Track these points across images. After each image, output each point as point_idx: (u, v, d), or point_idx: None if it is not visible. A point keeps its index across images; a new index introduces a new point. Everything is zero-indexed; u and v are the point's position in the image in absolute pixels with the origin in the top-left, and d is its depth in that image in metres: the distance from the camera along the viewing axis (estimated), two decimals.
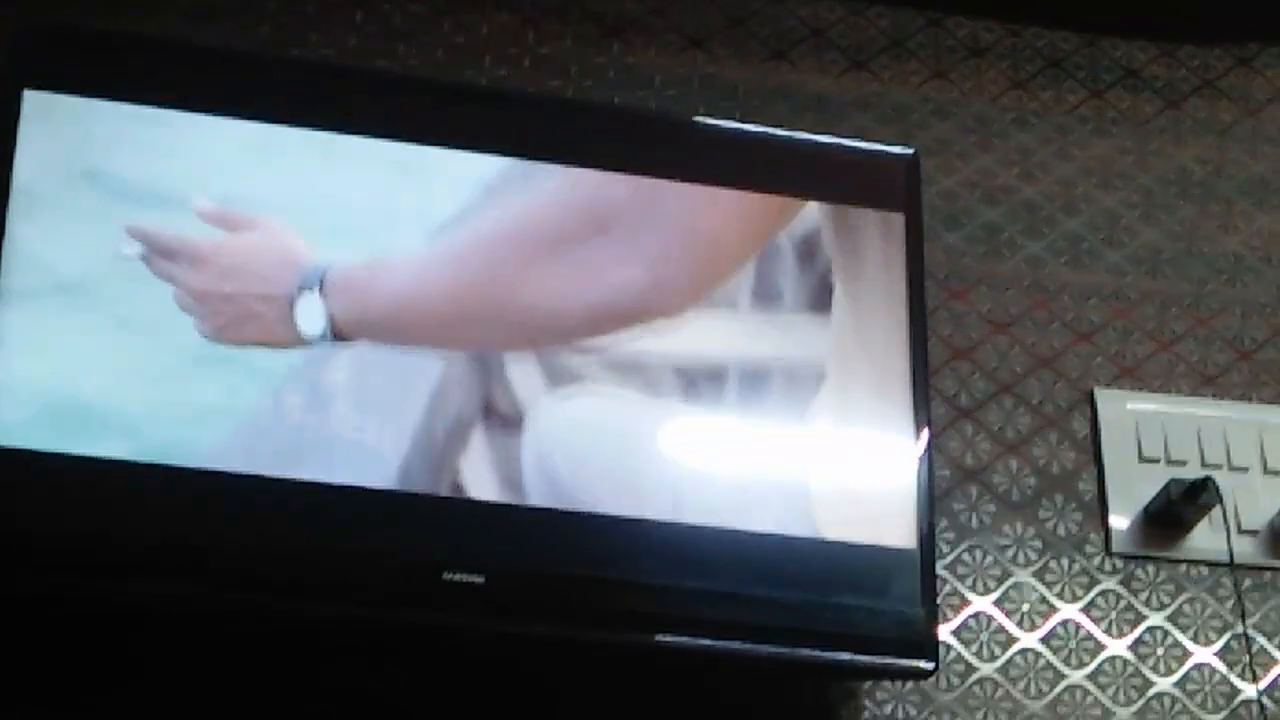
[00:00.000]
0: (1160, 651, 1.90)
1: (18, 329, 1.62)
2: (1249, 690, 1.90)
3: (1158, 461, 1.98)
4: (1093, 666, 1.88)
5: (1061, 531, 1.94)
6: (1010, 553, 1.92)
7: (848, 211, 1.80)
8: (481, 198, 1.75)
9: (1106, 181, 2.15)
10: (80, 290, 1.63)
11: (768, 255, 1.78)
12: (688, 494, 1.70)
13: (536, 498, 1.67)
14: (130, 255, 1.65)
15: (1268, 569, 1.96)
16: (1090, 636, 1.90)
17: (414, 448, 1.65)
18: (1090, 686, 1.87)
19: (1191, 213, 2.16)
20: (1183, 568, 1.95)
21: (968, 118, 2.16)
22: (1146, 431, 2.00)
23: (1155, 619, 1.92)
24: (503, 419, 1.68)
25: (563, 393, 1.69)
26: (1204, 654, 1.91)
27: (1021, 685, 1.86)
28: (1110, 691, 1.87)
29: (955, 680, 1.85)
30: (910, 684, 1.83)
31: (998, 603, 1.90)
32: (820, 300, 1.77)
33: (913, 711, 1.83)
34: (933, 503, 1.77)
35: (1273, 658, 1.92)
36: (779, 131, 1.93)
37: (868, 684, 1.83)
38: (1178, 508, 1.92)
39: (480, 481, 1.65)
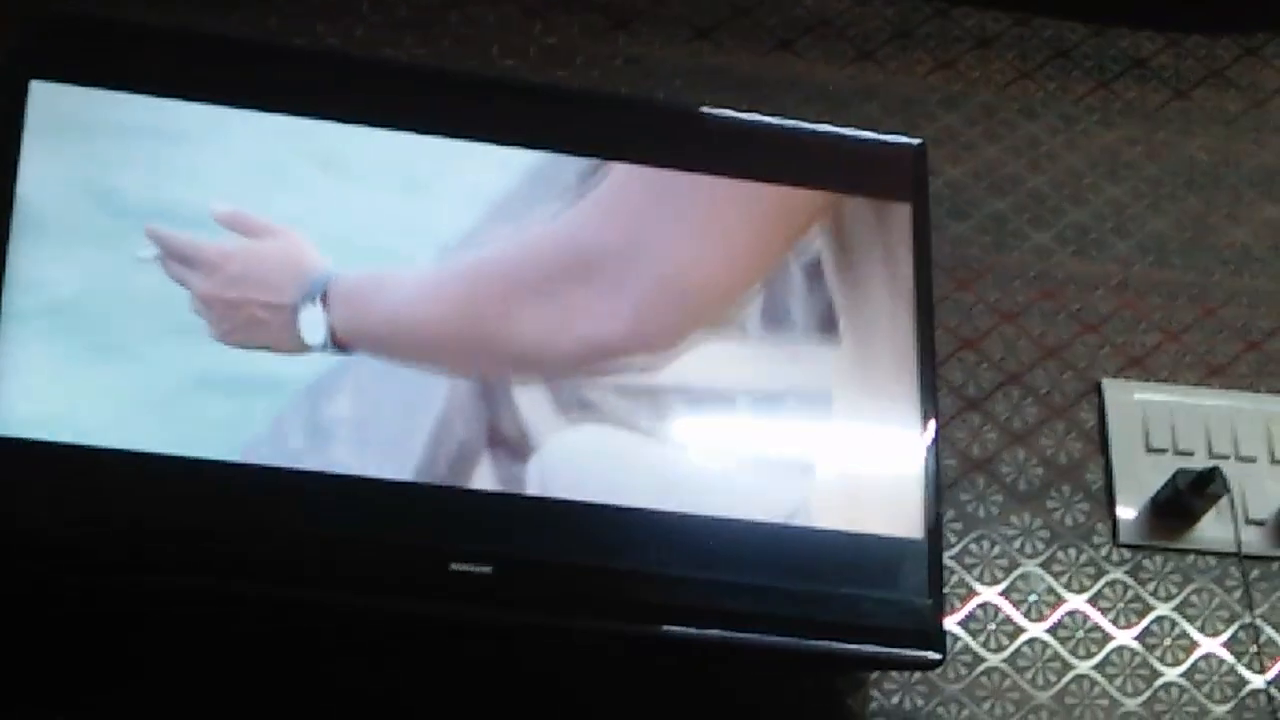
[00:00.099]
0: (1168, 642, 1.90)
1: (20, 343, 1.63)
2: (1257, 680, 1.90)
3: (1165, 452, 1.98)
4: (1100, 657, 1.88)
5: (1069, 522, 1.94)
6: (1017, 543, 1.92)
7: (848, 238, 1.79)
8: (489, 217, 1.74)
9: (1114, 172, 2.15)
10: (77, 309, 1.64)
11: (777, 277, 1.77)
12: (695, 485, 1.70)
13: None
14: (147, 258, 1.66)
15: (1275, 559, 1.96)
16: (1098, 627, 1.90)
17: (417, 480, 1.66)
18: (1098, 677, 1.87)
19: (1199, 203, 2.15)
20: (1190, 558, 1.95)
21: (975, 108, 2.16)
22: (1154, 422, 1.99)
23: (1163, 609, 1.92)
24: (510, 448, 1.68)
25: (572, 421, 1.69)
26: (1211, 644, 1.91)
27: (1029, 676, 1.86)
28: (1118, 682, 1.87)
29: (963, 671, 1.85)
30: (918, 674, 1.83)
31: (1005, 593, 1.90)
32: (828, 323, 1.77)
33: (920, 702, 1.83)
34: (940, 493, 1.77)
35: None
36: (785, 121, 1.92)
37: (875, 674, 1.83)
38: (1185, 498, 1.92)
39: None
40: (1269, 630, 1.92)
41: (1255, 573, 1.95)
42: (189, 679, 1.70)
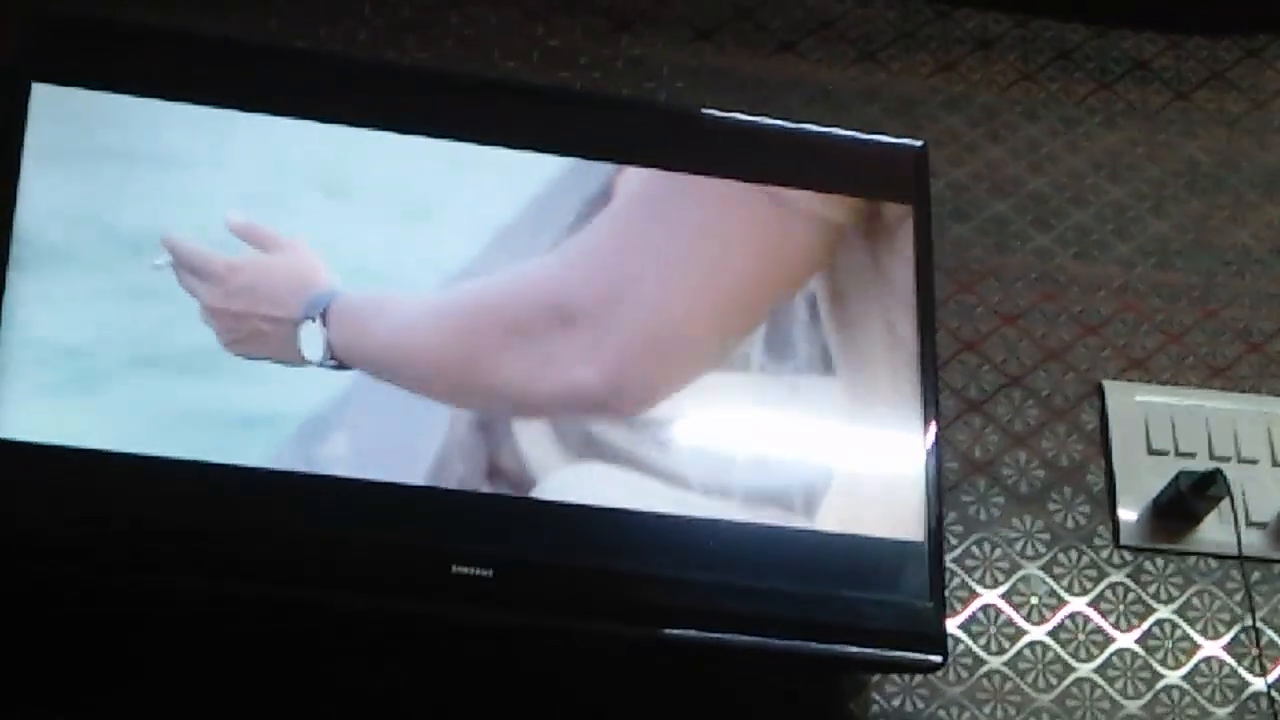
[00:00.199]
0: (1169, 644, 1.90)
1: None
2: (1258, 683, 1.90)
3: (1166, 454, 1.98)
4: (1101, 659, 1.88)
5: (1070, 524, 1.94)
6: (1019, 546, 1.92)
7: (843, 284, 1.78)
8: (493, 245, 1.74)
9: (1115, 173, 2.15)
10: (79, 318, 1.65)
11: (781, 312, 1.77)
12: (696, 469, 1.70)
13: None
14: (161, 265, 1.67)
15: (1277, 562, 1.96)
16: (1099, 629, 1.90)
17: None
18: (1099, 679, 1.87)
19: (1201, 204, 2.15)
20: (1191, 560, 1.95)
21: (976, 110, 2.16)
22: (1155, 424, 1.99)
23: (1164, 612, 1.92)
24: (510, 483, 1.68)
25: (574, 458, 1.69)
26: (1213, 647, 1.91)
27: (1030, 678, 1.86)
28: (1119, 684, 1.87)
29: (964, 673, 1.85)
30: (919, 677, 1.83)
31: (1006, 596, 1.90)
32: (826, 361, 1.77)
33: (921, 704, 1.83)
34: (941, 495, 1.77)
35: None
36: (787, 123, 1.93)
37: (876, 677, 1.83)
38: (1186, 500, 1.92)
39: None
40: (1270, 633, 1.92)
41: (1256, 575, 1.95)
42: (189, 679, 1.70)
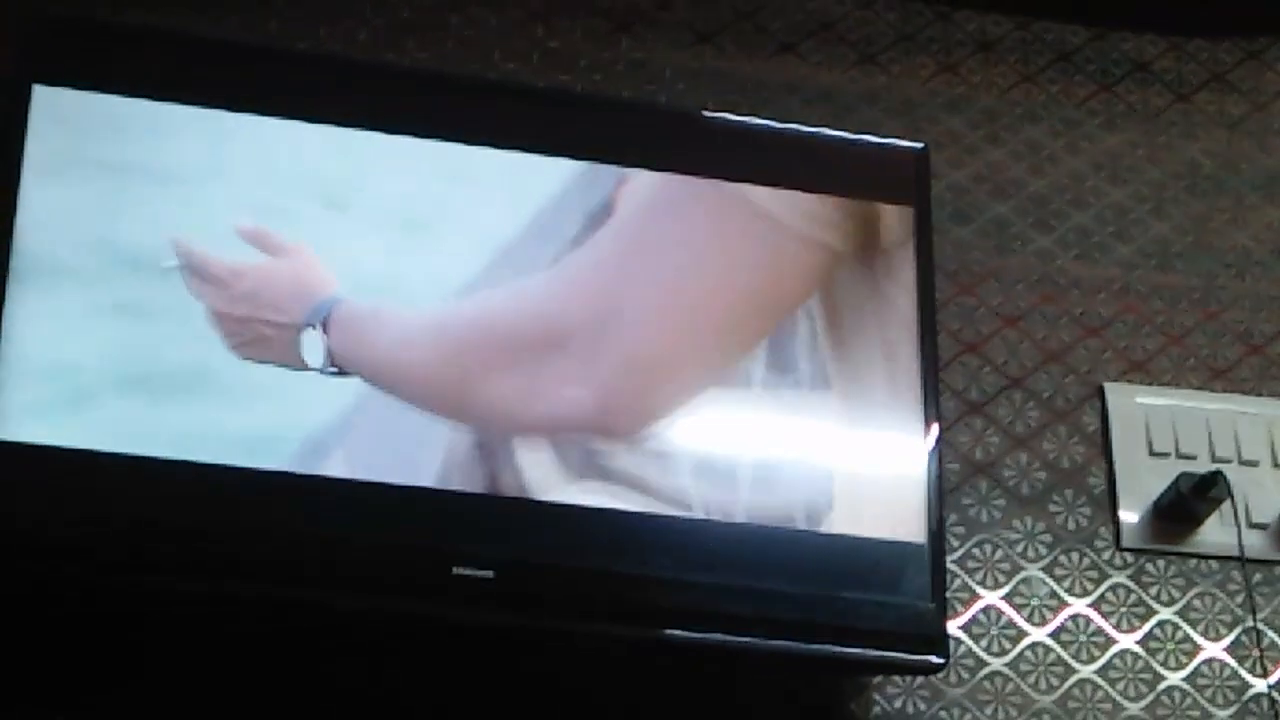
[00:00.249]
0: (1170, 646, 1.90)
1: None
2: (1259, 685, 1.90)
3: (1168, 456, 1.98)
4: (1103, 661, 1.88)
5: (1071, 526, 1.94)
6: (1020, 547, 1.92)
7: (839, 307, 1.78)
8: (494, 264, 1.73)
9: (1116, 175, 2.15)
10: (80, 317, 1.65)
11: (783, 329, 1.77)
12: (698, 489, 1.70)
13: None
14: (171, 267, 1.67)
15: (1278, 563, 1.96)
16: (1100, 631, 1.90)
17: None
18: (1100, 681, 1.87)
19: (1201, 206, 2.15)
20: (1193, 562, 1.95)
21: (977, 111, 2.16)
22: (1156, 426, 1.99)
23: (1165, 613, 1.92)
24: None
25: (576, 479, 1.69)
26: (1214, 648, 1.91)
27: (1031, 680, 1.86)
28: (1120, 686, 1.87)
29: (965, 675, 1.85)
30: (920, 679, 1.83)
31: (1007, 597, 1.90)
32: (822, 379, 1.77)
33: (923, 706, 1.83)
34: (942, 497, 1.77)
35: None
36: (788, 125, 1.93)
37: (878, 678, 1.83)
38: (1188, 502, 1.92)
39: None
40: (1271, 634, 1.92)
41: (1258, 576, 1.95)
42: (190, 680, 1.70)
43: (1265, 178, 2.18)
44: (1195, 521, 1.94)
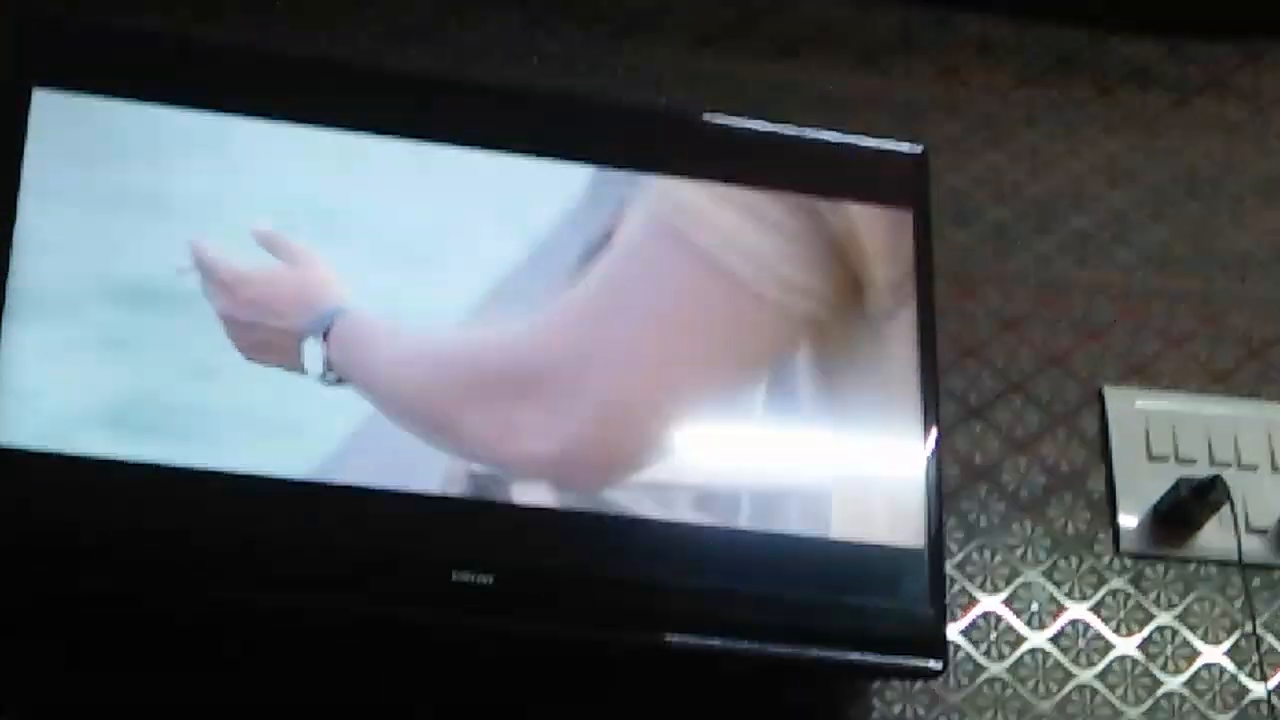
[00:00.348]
0: (1169, 651, 1.90)
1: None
2: (1258, 690, 1.90)
3: (1167, 460, 1.98)
4: (1102, 666, 1.88)
5: (1070, 530, 1.94)
6: (1019, 552, 1.92)
7: (829, 352, 1.77)
8: (492, 295, 1.73)
9: (1115, 179, 2.15)
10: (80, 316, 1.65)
11: (783, 369, 1.77)
12: (698, 494, 1.70)
13: None
14: (186, 269, 1.68)
15: (1277, 568, 1.96)
16: (1099, 636, 1.90)
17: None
18: (1099, 686, 1.87)
19: (1201, 210, 2.15)
20: (1192, 567, 1.95)
21: (976, 115, 2.16)
22: (1156, 430, 1.99)
23: (1164, 618, 1.92)
24: None
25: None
26: (1213, 653, 1.91)
27: (1030, 685, 1.86)
28: (1119, 691, 1.87)
29: (964, 680, 1.85)
30: (919, 683, 1.83)
31: (1006, 602, 1.90)
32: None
33: (921, 711, 1.83)
34: (941, 502, 1.77)
35: None
36: (787, 129, 1.92)
37: (876, 683, 1.83)
38: (1187, 506, 1.92)
39: None
40: (1271, 639, 1.92)
41: (1257, 581, 1.95)
42: (187, 688, 1.70)
43: (1265, 181, 2.18)
44: (1194, 526, 1.94)
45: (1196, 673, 1.90)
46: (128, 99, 1.72)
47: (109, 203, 1.68)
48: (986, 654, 1.87)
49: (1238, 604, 1.93)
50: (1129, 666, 1.89)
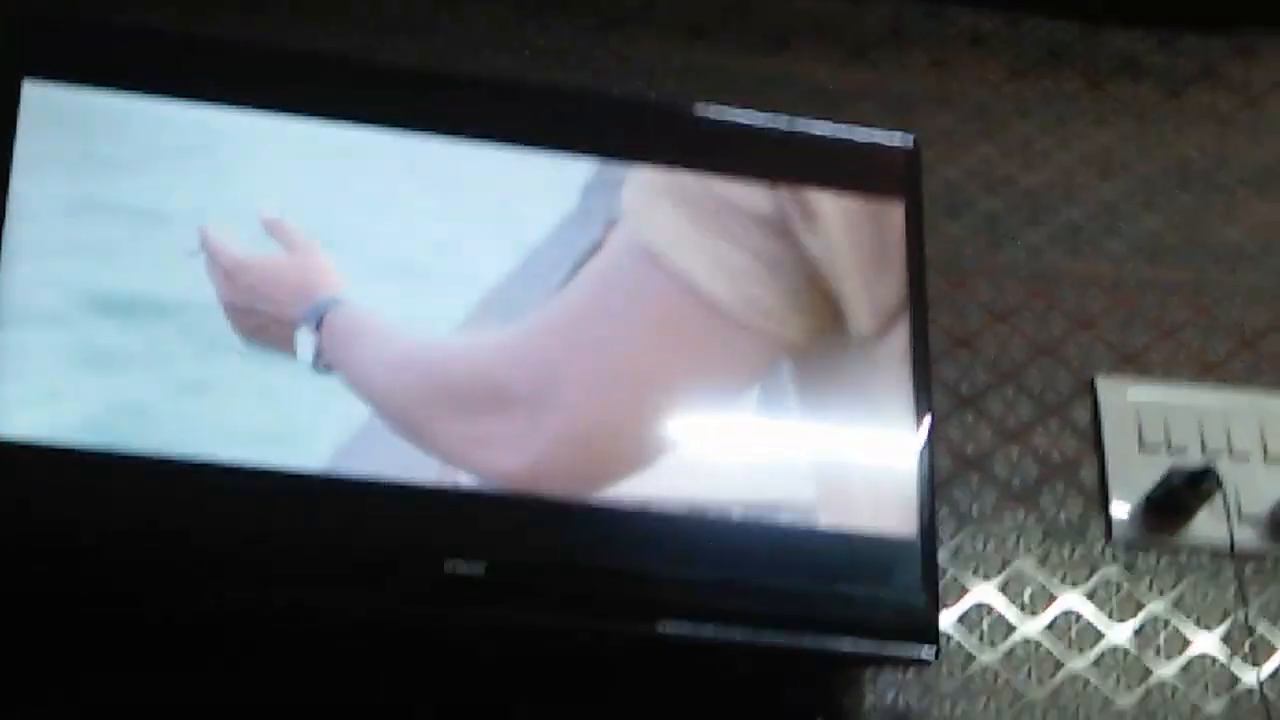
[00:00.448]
0: (1161, 639, 1.90)
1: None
2: (1250, 677, 1.90)
3: (1159, 449, 1.98)
4: (1094, 654, 1.88)
5: (1063, 520, 1.95)
6: (1011, 541, 1.92)
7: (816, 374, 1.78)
8: (481, 307, 1.74)
9: (1107, 170, 2.15)
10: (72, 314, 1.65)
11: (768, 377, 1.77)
12: (690, 483, 1.70)
13: None
14: (193, 251, 1.69)
15: (1268, 556, 1.96)
16: (1091, 624, 1.90)
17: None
18: (1091, 674, 1.87)
19: (1192, 201, 2.15)
20: (1184, 555, 1.95)
21: (968, 107, 2.16)
22: (1147, 419, 2.00)
23: (1156, 606, 1.92)
24: None
25: None
26: (1205, 641, 1.91)
27: (1023, 673, 1.86)
28: (1111, 679, 1.88)
29: (956, 668, 1.86)
30: (912, 672, 1.83)
31: (999, 590, 1.90)
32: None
33: (914, 699, 1.83)
34: (934, 491, 1.78)
35: (1274, 645, 1.92)
36: (779, 120, 1.92)
37: (869, 671, 1.83)
38: (1179, 495, 1.93)
39: None
40: (1262, 627, 1.92)
41: (1249, 569, 1.95)
42: (179, 679, 1.70)
43: (1256, 172, 2.19)
44: (1186, 514, 1.94)
45: (1189, 661, 1.90)
46: (119, 91, 1.72)
47: (99, 201, 1.68)
48: (979, 642, 1.87)
49: (1230, 592, 1.93)
50: (1121, 655, 1.89)
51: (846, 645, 1.71)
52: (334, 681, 1.72)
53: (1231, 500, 1.94)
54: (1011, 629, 1.88)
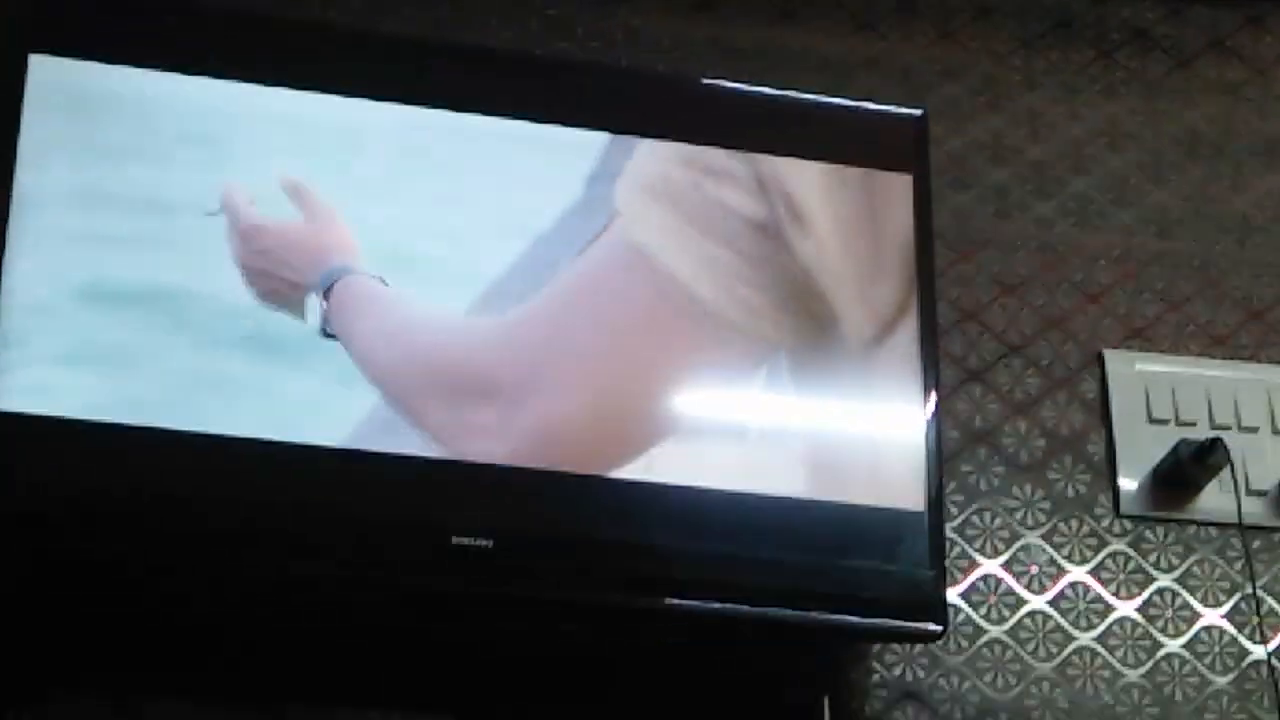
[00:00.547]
0: (1169, 613, 1.90)
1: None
2: (1258, 651, 1.90)
3: (1167, 422, 1.98)
4: (1102, 628, 1.88)
5: (1070, 493, 1.94)
6: (1019, 515, 1.92)
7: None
8: (483, 299, 1.73)
9: (1115, 142, 2.15)
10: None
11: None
12: (698, 457, 1.70)
13: None
14: (214, 212, 1.70)
15: (1277, 530, 1.96)
16: (1099, 598, 1.90)
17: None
18: (1099, 648, 1.87)
19: (1201, 173, 2.15)
20: (1192, 529, 1.95)
21: (976, 78, 2.15)
22: (1156, 392, 1.99)
23: (1164, 580, 1.92)
24: None
25: None
26: (1213, 615, 1.91)
27: (1030, 647, 1.86)
28: (1119, 653, 1.88)
29: (964, 643, 1.85)
30: (919, 646, 1.83)
31: (1006, 565, 1.90)
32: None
33: (922, 674, 1.83)
34: (941, 465, 1.77)
35: None
36: (787, 92, 1.92)
37: (876, 646, 1.83)
38: (1187, 469, 1.92)
39: None
40: (1270, 601, 1.93)
41: (1257, 543, 1.95)
42: (186, 652, 1.70)
43: (1265, 144, 2.18)
44: (1194, 488, 1.94)
45: (1196, 635, 1.90)
46: (125, 65, 1.71)
47: (105, 164, 1.68)
48: (986, 617, 1.87)
49: (1238, 566, 1.93)
50: (1129, 629, 1.89)
51: (853, 619, 1.71)
52: (337, 654, 1.72)
53: (1240, 474, 1.93)
54: (1019, 603, 1.88)
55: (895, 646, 1.83)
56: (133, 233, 1.67)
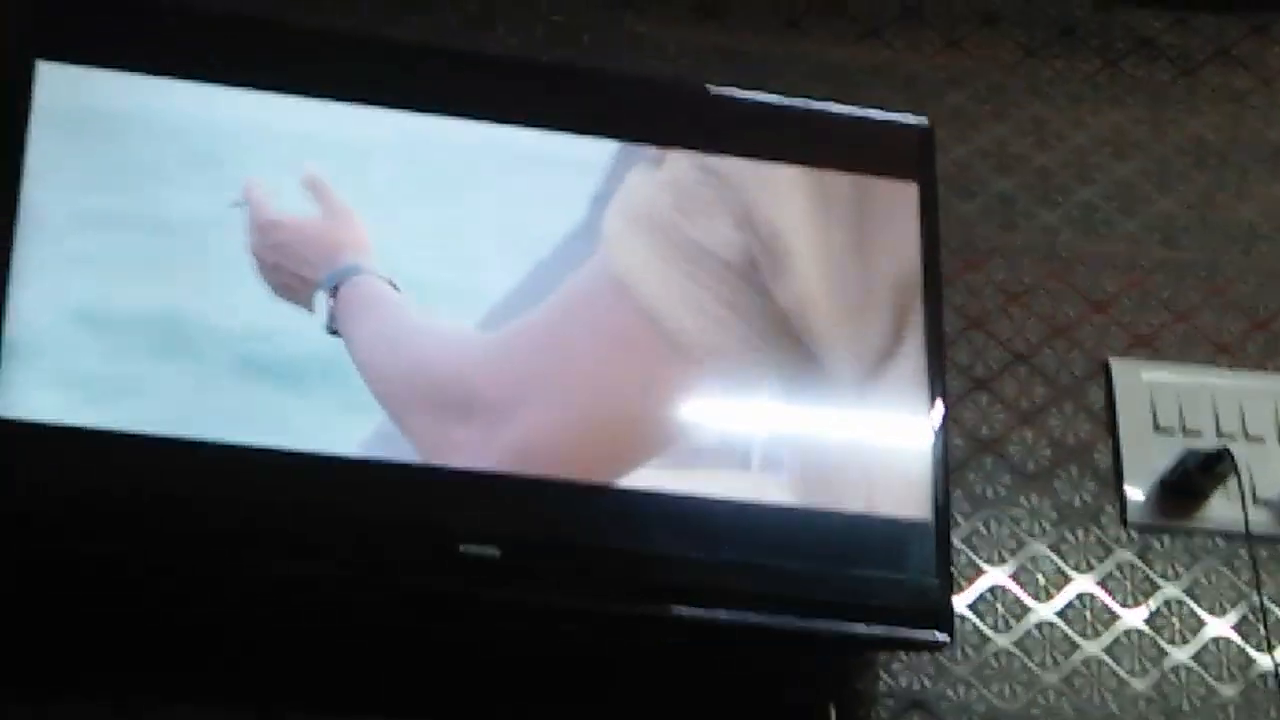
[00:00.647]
0: (1176, 623, 1.90)
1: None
2: (1265, 661, 1.89)
3: (1173, 432, 1.98)
4: (1108, 638, 1.88)
5: (1077, 503, 1.94)
6: (1025, 524, 1.92)
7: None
8: (487, 316, 1.74)
9: (1121, 150, 2.15)
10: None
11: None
12: (704, 466, 1.70)
13: None
14: (237, 203, 1.72)
15: None
16: (1106, 608, 1.89)
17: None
18: (1106, 658, 1.87)
19: (1206, 181, 2.15)
20: (1198, 538, 1.94)
21: (981, 86, 2.15)
22: (1162, 402, 1.99)
23: (1171, 590, 1.91)
24: None
25: None
26: (1220, 625, 1.91)
27: (1037, 657, 1.86)
28: (1126, 663, 1.87)
29: (970, 652, 1.85)
30: (926, 655, 1.83)
31: (1013, 574, 1.89)
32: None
33: (928, 683, 1.83)
34: (948, 474, 1.78)
35: None
36: (792, 100, 1.92)
37: (883, 655, 1.82)
38: (1193, 478, 1.92)
39: None
40: (1277, 610, 1.92)
41: (1264, 553, 1.94)
42: (185, 653, 1.69)
43: (1271, 152, 2.18)
44: (1201, 498, 1.94)
45: (1203, 645, 1.89)
46: (131, 72, 1.71)
47: (111, 167, 1.68)
48: (993, 626, 1.86)
49: (1244, 576, 1.93)
50: (1135, 639, 1.89)
51: (860, 628, 1.71)
52: (343, 661, 1.71)
53: (1246, 483, 1.93)
54: (1026, 612, 1.88)
55: (902, 656, 1.83)
56: (137, 254, 1.67)
